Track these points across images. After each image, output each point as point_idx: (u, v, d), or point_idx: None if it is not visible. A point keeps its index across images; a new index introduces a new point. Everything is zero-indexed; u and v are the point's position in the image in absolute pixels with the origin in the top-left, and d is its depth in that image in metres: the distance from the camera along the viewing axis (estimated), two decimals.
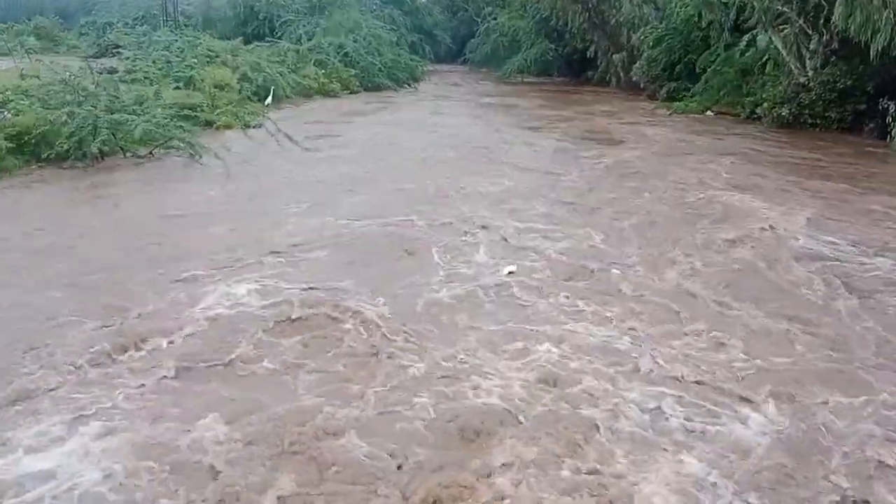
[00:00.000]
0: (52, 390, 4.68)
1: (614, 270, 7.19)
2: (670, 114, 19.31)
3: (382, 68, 26.21)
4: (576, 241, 8.13)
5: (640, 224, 8.87)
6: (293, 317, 5.86)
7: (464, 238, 8.14)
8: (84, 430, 4.26)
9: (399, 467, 3.98)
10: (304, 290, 6.43)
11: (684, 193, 10.47)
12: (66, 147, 11.03)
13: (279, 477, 3.88)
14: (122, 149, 11.84)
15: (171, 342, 5.40)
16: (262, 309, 6.00)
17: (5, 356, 5.08)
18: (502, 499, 3.73)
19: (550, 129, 16.78)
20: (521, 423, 4.43)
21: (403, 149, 14.10)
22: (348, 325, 5.75)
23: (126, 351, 5.22)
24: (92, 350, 5.18)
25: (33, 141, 10.94)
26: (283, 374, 5.03)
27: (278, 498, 3.73)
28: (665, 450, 4.19)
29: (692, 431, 4.40)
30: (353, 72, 24.81)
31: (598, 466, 4.00)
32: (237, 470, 3.93)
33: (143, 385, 4.80)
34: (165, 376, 4.93)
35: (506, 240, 8.13)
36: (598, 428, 4.38)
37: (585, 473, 3.94)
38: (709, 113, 19.10)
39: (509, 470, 3.95)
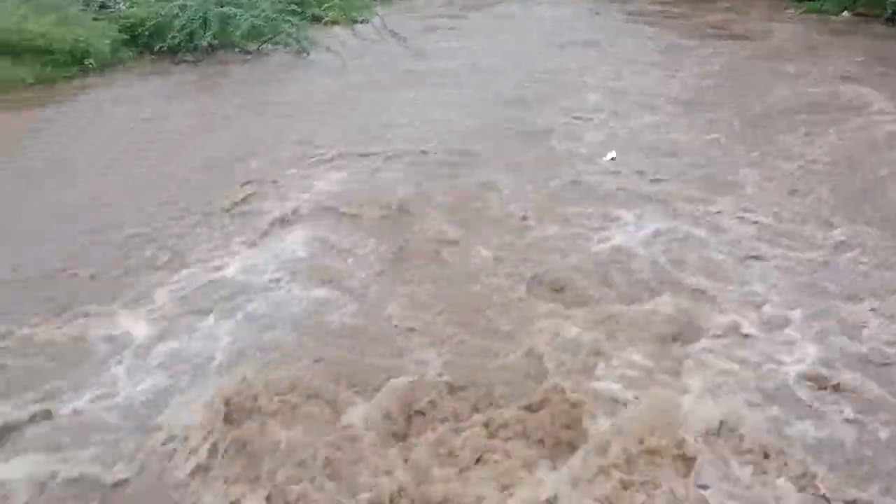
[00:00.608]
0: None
1: (722, 162, 7.32)
2: (800, 13, 17.97)
3: None
4: (683, 132, 8.29)
5: (756, 119, 8.70)
6: (428, 186, 6.71)
7: (578, 126, 8.59)
8: (269, 249, 5.66)
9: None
10: (440, 165, 7.29)
11: (806, 89, 9.89)
12: (177, 40, 11.29)
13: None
14: (231, 43, 12.00)
15: (313, 200, 6.43)
16: (401, 178, 6.91)
17: (192, 229, 6.08)
18: None
19: (668, 27, 15.85)
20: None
21: (516, 45, 13.74)
22: (477, 194, 6.62)
23: (281, 212, 6.25)
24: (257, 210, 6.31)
25: (146, 33, 11.25)
26: (424, 224, 6.00)
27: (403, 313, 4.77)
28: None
29: None
30: None
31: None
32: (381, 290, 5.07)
33: (307, 225, 6.00)
34: (323, 223, 6.03)
35: (616, 129, 8.42)
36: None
37: None
38: (845, 13, 17.56)
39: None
